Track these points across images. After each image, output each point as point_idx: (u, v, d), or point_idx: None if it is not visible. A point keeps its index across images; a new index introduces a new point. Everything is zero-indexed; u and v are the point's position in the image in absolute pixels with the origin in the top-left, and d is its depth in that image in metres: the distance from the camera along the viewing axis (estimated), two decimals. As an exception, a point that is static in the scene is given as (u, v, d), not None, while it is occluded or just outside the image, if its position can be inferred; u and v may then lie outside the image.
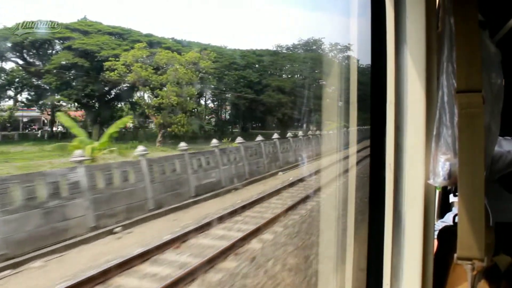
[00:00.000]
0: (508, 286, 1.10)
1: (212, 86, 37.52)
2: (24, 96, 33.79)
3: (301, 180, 16.33)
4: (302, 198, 12.61)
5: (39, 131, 34.22)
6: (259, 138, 20.88)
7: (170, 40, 35.48)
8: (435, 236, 1.22)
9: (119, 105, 36.77)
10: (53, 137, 31.42)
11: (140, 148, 12.92)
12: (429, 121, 1.07)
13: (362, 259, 1.26)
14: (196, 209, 12.39)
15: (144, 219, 11.05)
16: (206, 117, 40.37)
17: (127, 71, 28.05)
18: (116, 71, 27.87)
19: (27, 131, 34.75)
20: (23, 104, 34.10)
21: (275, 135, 22.80)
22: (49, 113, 33.86)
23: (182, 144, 14.99)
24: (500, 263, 1.11)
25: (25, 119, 36.06)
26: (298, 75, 39.45)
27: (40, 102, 32.78)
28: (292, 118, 36.53)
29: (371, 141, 1.21)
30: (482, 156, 0.98)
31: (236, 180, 16.72)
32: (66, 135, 31.31)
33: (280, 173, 19.56)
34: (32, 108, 34.45)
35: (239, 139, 19.13)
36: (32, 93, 32.92)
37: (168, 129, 29.01)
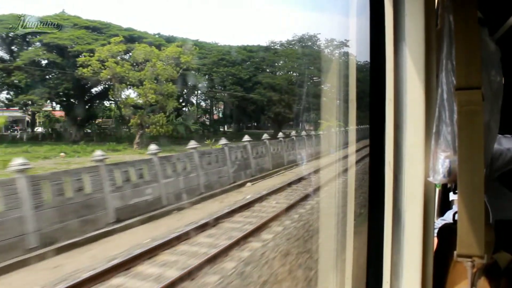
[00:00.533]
0: (508, 283, 1.11)
1: (199, 84, 35.89)
2: (2, 95, 31.63)
3: (263, 197, 13.11)
4: (246, 234, 8.91)
5: (19, 132, 32.48)
6: (223, 141, 17.66)
7: (156, 36, 33.55)
8: (435, 234, 1.23)
9: (107, 104, 34.83)
10: (33, 138, 29.53)
11: (18, 161, 9.03)
12: (428, 118, 1.07)
13: (362, 257, 1.26)
14: (105, 245, 8.96)
15: (7, 267, 7.45)
16: (198, 116, 38.93)
17: (102, 67, 25.83)
18: (89, 67, 25.64)
19: (9, 132, 32.95)
20: (2, 104, 32.04)
21: (246, 138, 19.34)
22: (29, 113, 32.28)
23: (98, 153, 11.20)
24: (500, 261, 1.11)
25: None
26: (292, 72, 37.96)
27: (21, 102, 30.56)
28: (286, 117, 35.24)
29: (371, 139, 1.21)
30: (482, 154, 0.98)
31: (186, 196, 13.45)
32: (47, 137, 29.94)
33: (248, 184, 16.52)
34: (13, 108, 32.49)
35: (192, 144, 15.48)
36: (11, 92, 30.78)
37: (146, 129, 26.84)
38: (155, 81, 26.88)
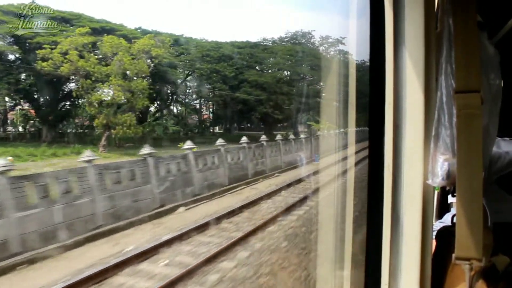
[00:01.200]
0: (506, 286, 1.11)
1: (183, 82, 33.67)
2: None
3: (152, 250, 8.37)
4: None
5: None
6: (147, 149, 13.10)
7: (138, 30, 30.75)
8: (434, 237, 1.23)
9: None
10: (2, 139, 27.02)
11: None
12: (427, 121, 1.08)
13: (361, 259, 1.26)
14: None
15: None
16: (185, 116, 36.76)
17: (65, 61, 23.09)
18: (50, 61, 22.76)
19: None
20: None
21: (188, 144, 15.05)
22: (1, 111, 30.22)
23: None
24: (498, 264, 1.11)
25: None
26: (282, 70, 35.94)
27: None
28: (275, 118, 33.53)
29: (370, 142, 1.21)
30: (481, 157, 0.98)
31: (66, 233, 9.28)
32: (17, 137, 27.61)
33: (181, 209, 12.46)
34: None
35: (86, 155, 11.07)
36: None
37: (113, 130, 24.12)
38: (125, 77, 24.48)
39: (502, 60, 1.13)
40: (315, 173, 17.32)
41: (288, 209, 11.67)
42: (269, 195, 13.98)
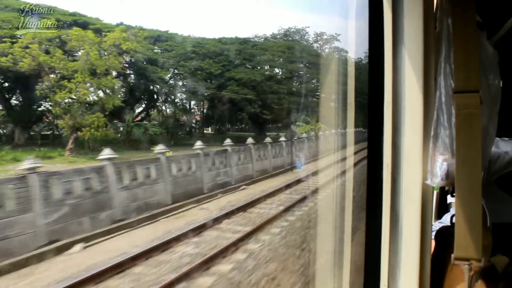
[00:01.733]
0: (505, 286, 1.10)
1: (169, 81, 32.11)
2: None
3: None
4: None
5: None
6: (28, 164, 9.47)
7: (121, 26, 28.18)
8: (433, 237, 1.23)
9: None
10: None
11: None
12: (426, 121, 1.08)
13: (360, 259, 1.26)
14: None
15: None
16: (175, 117, 34.83)
17: (26, 56, 21.24)
18: (10, 56, 20.85)
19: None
20: None
21: (107, 153, 11.48)
22: None
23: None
24: (498, 264, 1.11)
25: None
26: (273, 67, 34.29)
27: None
28: (266, 119, 31.94)
29: (369, 141, 1.21)
30: (480, 157, 0.98)
31: None
32: None
33: (77, 247, 8.86)
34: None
35: None
36: None
37: (79, 132, 22.17)
38: (94, 73, 22.34)
39: (501, 60, 1.13)
40: (293, 184, 15.34)
41: (215, 258, 7.65)
42: (213, 222, 10.23)
